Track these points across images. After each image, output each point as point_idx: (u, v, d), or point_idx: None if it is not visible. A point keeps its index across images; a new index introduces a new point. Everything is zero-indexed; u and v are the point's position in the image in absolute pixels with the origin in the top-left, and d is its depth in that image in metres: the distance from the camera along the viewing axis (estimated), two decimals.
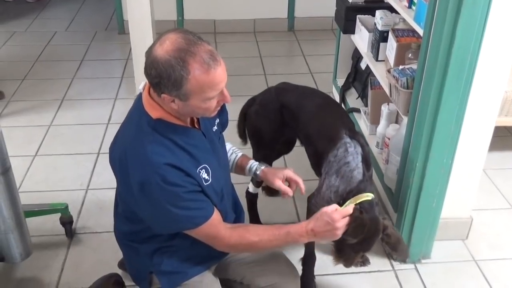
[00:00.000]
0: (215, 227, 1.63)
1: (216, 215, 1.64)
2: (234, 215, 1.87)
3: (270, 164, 2.42)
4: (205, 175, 1.62)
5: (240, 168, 1.96)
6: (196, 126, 1.67)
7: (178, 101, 1.48)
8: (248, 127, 2.36)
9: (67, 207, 2.42)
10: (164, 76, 1.41)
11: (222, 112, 1.83)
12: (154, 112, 1.54)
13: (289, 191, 1.85)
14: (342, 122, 2.04)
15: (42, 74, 4.08)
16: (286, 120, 2.22)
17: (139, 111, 1.58)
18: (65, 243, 2.42)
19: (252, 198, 2.40)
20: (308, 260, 2.16)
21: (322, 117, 2.13)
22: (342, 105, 3.21)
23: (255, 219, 2.44)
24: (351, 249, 1.81)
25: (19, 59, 4.33)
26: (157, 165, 1.50)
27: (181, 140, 1.57)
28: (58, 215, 2.42)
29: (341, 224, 1.62)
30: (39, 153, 3.09)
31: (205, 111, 1.54)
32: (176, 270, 1.76)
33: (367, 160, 1.93)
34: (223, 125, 1.88)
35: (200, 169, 1.61)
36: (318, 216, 1.63)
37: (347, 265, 1.89)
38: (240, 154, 1.98)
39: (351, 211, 1.66)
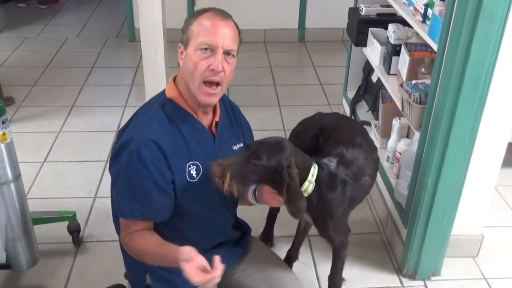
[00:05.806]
0: (135, 227, 1.62)
1: (149, 224, 1.63)
2: (237, 234, 1.86)
3: None
4: (193, 172, 1.61)
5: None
6: (213, 130, 1.68)
7: (184, 52, 1.56)
8: None
9: (75, 215, 2.41)
10: (184, 23, 1.58)
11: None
12: (169, 92, 1.64)
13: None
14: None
15: (52, 80, 4.09)
16: (320, 146, 2.18)
17: (160, 93, 1.69)
18: (72, 251, 2.40)
19: (272, 211, 2.40)
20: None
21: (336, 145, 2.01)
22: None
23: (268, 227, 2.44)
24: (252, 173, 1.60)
25: (30, 65, 4.35)
26: (144, 138, 1.53)
27: (185, 129, 1.60)
28: (66, 222, 2.42)
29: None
30: (48, 159, 3.09)
31: (194, 68, 1.52)
32: (168, 277, 1.69)
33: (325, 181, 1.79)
34: None
35: (191, 163, 1.60)
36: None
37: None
38: None
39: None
